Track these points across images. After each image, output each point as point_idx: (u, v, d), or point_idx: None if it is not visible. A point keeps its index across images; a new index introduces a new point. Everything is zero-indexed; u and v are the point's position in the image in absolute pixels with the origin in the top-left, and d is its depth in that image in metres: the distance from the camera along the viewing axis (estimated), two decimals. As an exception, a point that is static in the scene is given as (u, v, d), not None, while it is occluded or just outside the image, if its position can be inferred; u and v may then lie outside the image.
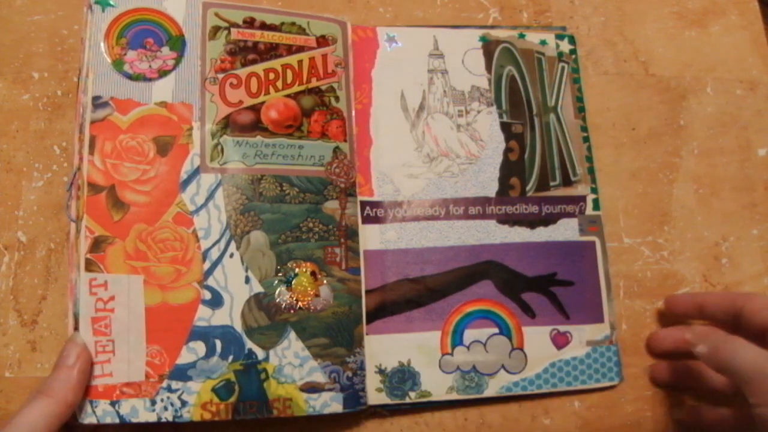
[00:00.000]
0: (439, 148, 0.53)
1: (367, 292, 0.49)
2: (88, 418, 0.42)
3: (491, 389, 0.50)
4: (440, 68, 0.55)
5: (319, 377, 0.46)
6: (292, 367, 0.46)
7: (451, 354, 0.50)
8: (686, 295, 0.53)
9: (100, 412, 0.43)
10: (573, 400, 0.50)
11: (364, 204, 0.51)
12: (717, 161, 0.56)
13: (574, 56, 0.57)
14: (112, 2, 0.48)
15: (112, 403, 0.43)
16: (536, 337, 0.51)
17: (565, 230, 0.53)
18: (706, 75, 0.58)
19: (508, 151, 0.54)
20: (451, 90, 0.55)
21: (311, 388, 0.46)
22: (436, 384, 0.49)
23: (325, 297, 0.48)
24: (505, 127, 0.55)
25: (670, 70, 0.58)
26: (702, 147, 0.56)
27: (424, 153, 0.53)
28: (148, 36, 0.49)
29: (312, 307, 0.47)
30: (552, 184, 0.54)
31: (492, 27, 0.58)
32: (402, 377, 0.49)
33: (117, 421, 0.43)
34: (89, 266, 0.44)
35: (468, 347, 0.50)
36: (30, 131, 0.54)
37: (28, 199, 0.52)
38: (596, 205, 0.54)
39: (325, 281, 0.48)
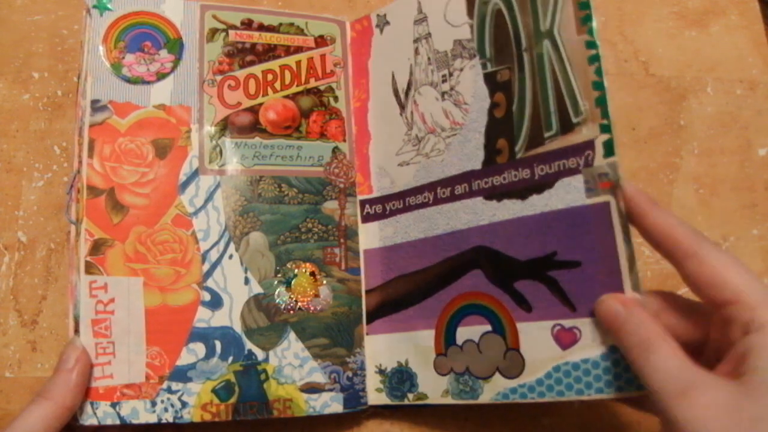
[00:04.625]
0: (426, 126, 0.49)
1: (367, 291, 0.49)
2: (89, 420, 0.42)
3: (486, 395, 0.44)
4: (424, 33, 0.50)
5: (319, 378, 0.46)
6: (292, 368, 0.46)
7: (445, 354, 0.46)
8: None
9: (100, 413, 0.43)
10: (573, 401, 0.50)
11: (363, 203, 0.51)
12: (717, 161, 0.56)
13: None
14: (110, 6, 0.48)
15: (113, 405, 0.43)
16: (534, 335, 0.42)
17: (567, 194, 0.42)
18: (706, 75, 0.58)
19: (493, 107, 0.46)
20: (434, 54, 0.49)
21: (311, 388, 0.46)
22: (432, 386, 0.46)
23: (324, 297, 0.48)
24: (489, 79, 0.46)
25: (670, 70, 0.58)
26: (702, 147, 0.56)
27: (413, 135, 0.50)
28: (146, 39, 0.49)
29: (311, 308, 0.48)
30: (547, 135, 0.43)
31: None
32: (401, 378, 0.48)
33: (118, 422, 0.43)
34: (89, 269, 0.44)
35: (461, 347, 0.45)
36: (30, 131, 0.54)
37: (28, 199, 0.52)
38: (610, 149, 0.40)
39: (324, 282, 0.48)
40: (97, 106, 0.47)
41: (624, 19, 0.59)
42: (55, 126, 0.54)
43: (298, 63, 0.51)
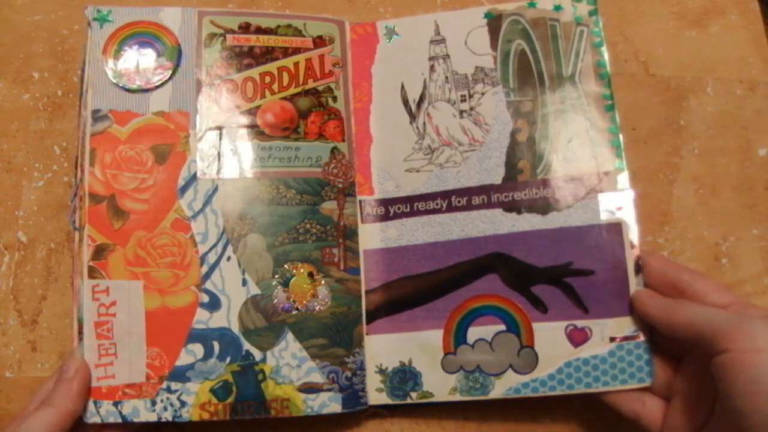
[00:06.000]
0: (441, 138, 0.51)
1: (368, 291, 0.49)
2: (93, 418, 0.44)
3: (497, 390, 0.47)
4: (442, 54, 0.52)
5: (317, 378, 0.47)
6: (290, 368, 0.47)
7: (454, 353, 0.48)
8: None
9: (103, 412, 0.44)
10: (573, 400, 0.50)
11: (364, 203, 0.51)
12: (717, 161, 0.56)
13: (594, 17, 0.51)
14: (109, 18, 0.49)
15: (115, 404, 0.44)
16: (548, 334, 0.47)
17: (585, 213, 0.48)
18: (706, 75, 0.57)
19: (515, 132, 0.50)
20: (453, 75, 0.52)
21: (309, 388, 0.47)
22: (438, 384, 0.48)
23: (323, 298, 0.48)
24: (512, 107, 0.51)
25: (670, 70, 0.58)
26: (702, 147, 0.56)
27: (425, 145, 0.51)
28: (144, 48, 0.49)
29: (309, 308, 0.48)
30: (567, 164, 0.49)
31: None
32: (403, 377, 0.48)
33: (119, 420, 0.44)
34: (92, 273, 0.45)
35: (472, 346, 0.48)
36: (30, 131, 0.54)
37: (28, 199, 0.53)
38: (624, 181, 0.48)
39: (322, 282, 0.48)
40: (97, 116, 0.47)
41: (624, 19, 0.59)
42: (55, 126, 0.54)
43: (296, 64, 0.51)
